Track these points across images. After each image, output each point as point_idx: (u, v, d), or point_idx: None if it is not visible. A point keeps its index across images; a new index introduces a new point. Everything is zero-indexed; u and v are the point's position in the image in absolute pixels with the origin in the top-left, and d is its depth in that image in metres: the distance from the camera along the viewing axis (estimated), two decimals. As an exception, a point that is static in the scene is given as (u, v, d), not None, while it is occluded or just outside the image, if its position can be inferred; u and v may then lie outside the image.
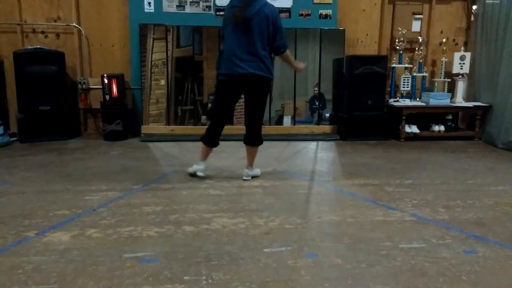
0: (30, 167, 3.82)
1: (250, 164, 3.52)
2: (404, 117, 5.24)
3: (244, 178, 3.49)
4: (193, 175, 3.55)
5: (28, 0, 5.15)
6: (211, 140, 3.44)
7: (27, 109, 4.86)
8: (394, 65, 5.57)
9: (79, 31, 5.28)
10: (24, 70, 4.79)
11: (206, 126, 3.54)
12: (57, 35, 5.30)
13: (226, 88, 3.30)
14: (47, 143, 4.79)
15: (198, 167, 3.52)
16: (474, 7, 5.58)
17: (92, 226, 2.50)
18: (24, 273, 1.96)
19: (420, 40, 5.59)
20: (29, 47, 5.02)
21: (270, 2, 3.29)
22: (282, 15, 5.32)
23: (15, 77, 4.83)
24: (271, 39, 3.22)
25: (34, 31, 5.24)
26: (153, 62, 5.18)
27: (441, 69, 5.55)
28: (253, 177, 3.54)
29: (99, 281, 1.89)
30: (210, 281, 1.91)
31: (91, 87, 5.31)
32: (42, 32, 5.26)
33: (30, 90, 4.82)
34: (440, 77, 5.57)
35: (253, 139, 3.42)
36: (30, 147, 4.61)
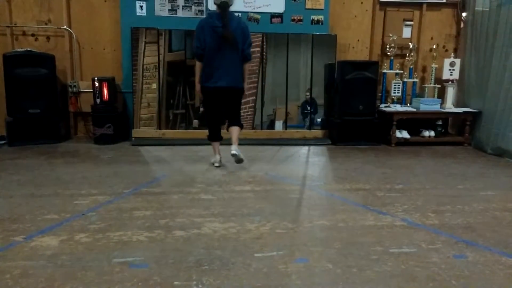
0: (19, 170, 3.78)
1: (236, 141, 3.86)
2: (394, 123, 5.28)
3: (233, 152, 3.75)
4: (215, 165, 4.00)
5: (18, 3, 5.12)
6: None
7: (17, 112, 4.81)
8: (385, 70, 5.62)
9: (70, 34, 5.25)
10: (14, 73, 4.75)
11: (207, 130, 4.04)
12: (48, 37, 5.26)
13: (213, 96, 3.84)
14: (36, 147, 4.74)
15: (214, 160, 4.02)
16: (464, 14, 5.66)
17: (81, 231, 2.48)
18: (12, 278, 1.92)
19: (411, 46, 5.65)
20: (19, 49, 4.98)
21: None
22: (274, 20, 5.35)
23: (4, 79, 4.79)
24: (244, 48, 3.81)
25: (24, 34, 5.20)
26: (144, 66, 5.16)
27: (431, 75, 5.61)
28: (239, 160, 3.80)
29: (88, 286, 1.87)
30: (200, 286, 1.89)
31: (81, 90, 5.27)
32: (33, 35, 5.22)
33: (20, 93, 4.77)
34: (430, 83, 5.63)
35: (237, 122, 3.99)
36: (19, 151, 4.56)
